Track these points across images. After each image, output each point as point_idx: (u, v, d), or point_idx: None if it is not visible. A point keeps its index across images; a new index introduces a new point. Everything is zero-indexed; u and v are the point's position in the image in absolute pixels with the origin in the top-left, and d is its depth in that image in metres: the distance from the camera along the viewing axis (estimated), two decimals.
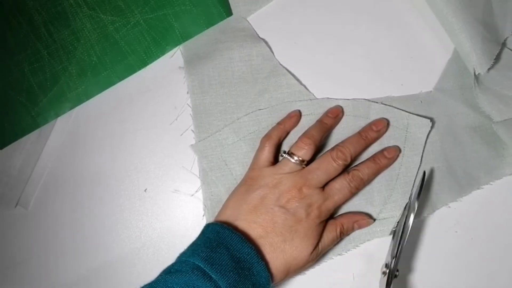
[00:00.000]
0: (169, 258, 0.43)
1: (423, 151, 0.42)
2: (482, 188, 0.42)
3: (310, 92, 0.44)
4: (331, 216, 0.41)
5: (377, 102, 0.43)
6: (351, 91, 0.44)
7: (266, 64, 0.44)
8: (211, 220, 0.41)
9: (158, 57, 0.45)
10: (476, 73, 0.41)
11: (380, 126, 0.41)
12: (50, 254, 0.45)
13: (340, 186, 0.39)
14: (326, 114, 0.42)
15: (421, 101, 0.43)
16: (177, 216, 0.44)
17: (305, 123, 0.42)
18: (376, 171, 0.41)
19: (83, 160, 0.45)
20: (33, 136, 0.46)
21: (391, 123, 0.42)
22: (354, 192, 0.40)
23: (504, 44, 0.43)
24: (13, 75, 0.45)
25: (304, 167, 0.39)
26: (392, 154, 0.41)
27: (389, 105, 0.42)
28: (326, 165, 0.38)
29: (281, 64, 0.44)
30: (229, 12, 0.45)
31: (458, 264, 0.42)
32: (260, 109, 0.43)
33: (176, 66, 0.45)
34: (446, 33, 0.44)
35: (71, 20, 0.45)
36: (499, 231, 0.42)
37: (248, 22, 0.45)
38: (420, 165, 0.42)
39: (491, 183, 0.42)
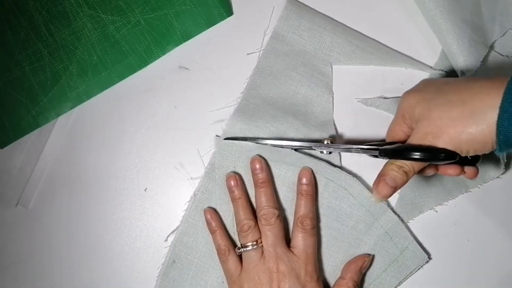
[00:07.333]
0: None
1: (404, 279, 0.41)
2: (480, 187, 0.42)
3: (332, 165, 0.42)
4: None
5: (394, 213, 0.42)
6: (350, 90, 0.44)
7: (321, 116, 0.44)
8: (193, 208, 0.43)
9: (159, 56, 0.45)
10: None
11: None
12: (50, 253, 0.45)
13: (302, 239, 0.40)
14: (230, 189, 0.42)
15: None
16: (177, 215, 0.44)
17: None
18: (311, 201, 0.41)
19: (83, 159, 0.45)
20: (33, 135, 0.46)
21: (393, 238, 0.41)
22: (315, 233, 0.40)
23: (491, 47, 0.42)
24: (13, 75, 0.45)
25: (261, 245, 0.39)
26: (307, 177, 0.41)
27: (399, 220, 0.42)
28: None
29: (334, 124, 0.44)
30: (229, 12, 0.45)
31: (457, 264, 0.42)
32: (291, 149, 0.42)
33: (177, 66, 0.45)
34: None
35: (71, 20, 0.45)
36: (499, 231, 0.42)
37: (332, 69, 0.44)
38: None
39: (478, 186, 0.42)
